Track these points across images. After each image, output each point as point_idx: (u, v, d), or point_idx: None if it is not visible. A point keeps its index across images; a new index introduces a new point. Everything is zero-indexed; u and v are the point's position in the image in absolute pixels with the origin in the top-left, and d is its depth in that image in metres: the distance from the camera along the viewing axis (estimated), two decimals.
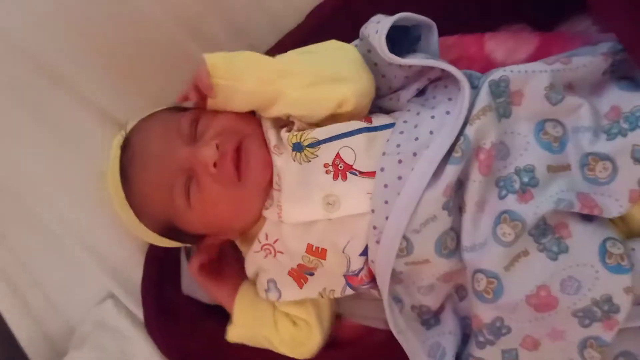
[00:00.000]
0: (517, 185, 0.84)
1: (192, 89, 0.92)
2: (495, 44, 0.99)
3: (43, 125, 1.05)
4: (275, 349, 1.02)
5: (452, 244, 0.87)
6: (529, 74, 0.86)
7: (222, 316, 1.03)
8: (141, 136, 0.95)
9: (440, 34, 0.93)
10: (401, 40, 0.92)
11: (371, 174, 0.87)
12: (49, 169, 1.06)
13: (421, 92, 0.95)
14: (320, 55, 0.94)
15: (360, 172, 0.88)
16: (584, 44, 0.94)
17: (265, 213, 0.93)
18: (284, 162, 0.91)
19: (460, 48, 1.00)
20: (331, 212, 0.88)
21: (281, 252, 0.94)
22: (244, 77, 0.89)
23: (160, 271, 1.08)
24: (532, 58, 0.96)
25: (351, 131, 0.90)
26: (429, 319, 0.96)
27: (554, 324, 0.83)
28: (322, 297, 0.98)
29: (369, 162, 0.88)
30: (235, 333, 1.03)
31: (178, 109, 1.00)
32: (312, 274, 0.96)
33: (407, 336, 0.93)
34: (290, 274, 0.96)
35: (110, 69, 1.07)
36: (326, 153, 0.89)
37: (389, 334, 0.96)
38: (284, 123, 0.95)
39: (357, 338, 1.09)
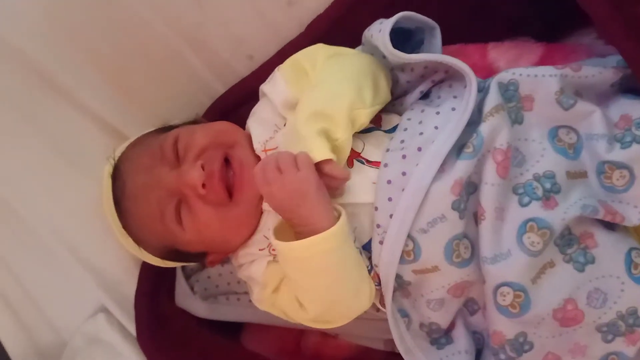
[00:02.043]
0: (539, 192, 0.83)
1: None
2: (498, 53, 0.99)
3: (39, 136, 1.03)
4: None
5: (466, 252, 0.84)
6: (539, 78, 0.85)
7: (214, 329, 1.02)
8: (128, 166, 0.94)
9: (443, 45, 0.93)
10: (404, 45, 0.91)
11: (378, 164, 0.86)
12: (44, 180, 1.04)
13: (425, 96, 0.95)
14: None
15: (368, 161, 0.87)
16: (589, 56, 0.94)
17: (265, 206, 0.91)
18: None
19: (463, 56, 0.97)
20: (334, 197, 0.85)
21: None
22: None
23: (155, 282, 1.06)
24: None
25: (362, 130, 0.90)
26: (439, 337, 0.92)
27: (577, 339, 0.82)
28: None
29: (377, 152, 0.87)
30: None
31: (163, 130, 0.99)
32: None
33: (416, 356, 0.89)
34: None
35: (110, 79, 1.06)
36: None
37: (388, 355, 0.95)
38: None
39: (353, 359, 1.07)
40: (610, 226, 0.83)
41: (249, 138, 0.93)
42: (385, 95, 0.91)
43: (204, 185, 0.86)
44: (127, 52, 1.06)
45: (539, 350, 0.83)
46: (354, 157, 0.87)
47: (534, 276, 0.81)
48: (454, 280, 0.86)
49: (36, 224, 1.04)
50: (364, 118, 0.87)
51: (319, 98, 0.86)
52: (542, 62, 0.96)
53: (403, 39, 0.92)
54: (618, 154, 0.82)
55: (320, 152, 0.80)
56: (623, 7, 0.80)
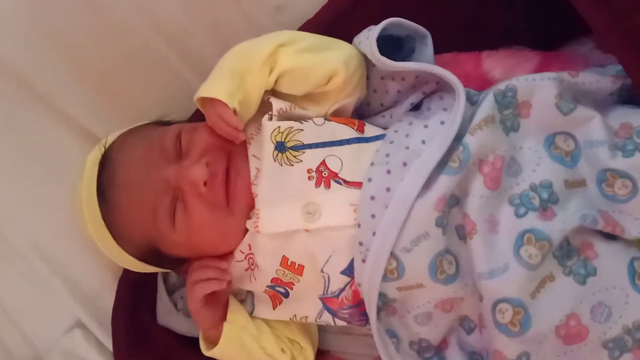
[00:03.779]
0: (536, 202, 0.81)
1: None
2: (493, 62, 0.98)
3: (17, 142, 1.02)
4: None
5: (450, 269, 0.82)
6: (537, 82, 0.84)
7: (197, 346, 0.96)
8: (122, 154, 0.91)
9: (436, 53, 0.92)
10: (395, 53, 0.90)
11: (357, 184, 0.84)
12: (21, 189, 1.03)
13: (416, 107, 0.93)
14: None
15: (346, 182, 0.85)
16: (586, 66, 0.93)
17: (248, 223, 0.89)
18: (263, 159, 0.87)
19: (456, 65, 0.98)
20: (310, 222, 0.84)
21: (258, 266, 0.90)
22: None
23: (134, 297, 1.04)
24: None
25: (340, 140, 0.87)
26: (431, 357, 0.89)
27: (583, 357, 0.79)
28: (292, 321, 0.94)
29: (356, 171, 0.85)
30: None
31: (160, 124, 0.97)
32: (287, 295, 0.91)
33: None
34: (266, 291, 0.92)
35: (93, 86, 1.05)
36: (311, 159, 0.86)
37: None
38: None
39: None
40: (610, 235, 0.81)
41: (243, 143, 0.91)
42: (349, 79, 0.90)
43: (205, 184, 0.84)
44: (111, 57, 1.04)
45: None
46: (332, 177, 0.85)
47: (533, 290, 0.79)
48: (439, 297, 0.84)
49: (12, 235, 1.04)
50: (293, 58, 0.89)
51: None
52: (538, 70, 0.94)
53: (395, 46, 0.91)
54: (620, 162, 0.81)
55: (219, 92, 0.85)
56: (622, 18, 0.80)
